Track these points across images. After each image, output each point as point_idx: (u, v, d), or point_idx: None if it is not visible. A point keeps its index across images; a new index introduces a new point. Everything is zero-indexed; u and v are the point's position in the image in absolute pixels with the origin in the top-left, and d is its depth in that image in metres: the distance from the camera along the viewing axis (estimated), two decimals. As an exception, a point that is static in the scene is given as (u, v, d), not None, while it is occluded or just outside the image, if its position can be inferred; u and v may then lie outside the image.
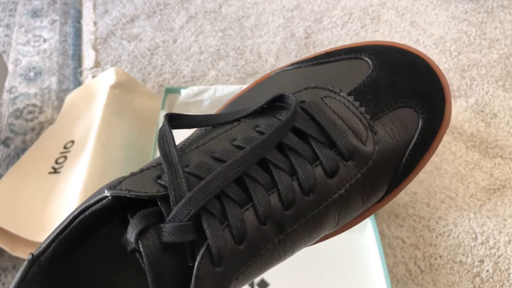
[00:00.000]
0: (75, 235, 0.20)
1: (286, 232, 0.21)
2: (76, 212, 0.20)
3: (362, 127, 0.24)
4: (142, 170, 0.21)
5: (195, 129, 0.25)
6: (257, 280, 0.56)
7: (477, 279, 0.63)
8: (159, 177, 0.20)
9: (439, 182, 0.73)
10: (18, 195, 0.64)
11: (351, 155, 0.23)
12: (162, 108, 0.71)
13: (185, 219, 0.18)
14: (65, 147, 0.69)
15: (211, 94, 0.72)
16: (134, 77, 0.87)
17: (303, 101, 0.24)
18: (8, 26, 1.03)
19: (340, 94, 0.25)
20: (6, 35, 1.01)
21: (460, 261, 0.65)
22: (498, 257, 0.66)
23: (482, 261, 0.65)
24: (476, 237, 0.67)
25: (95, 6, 1.07)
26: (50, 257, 0.20)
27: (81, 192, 0.59)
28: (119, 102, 0.72)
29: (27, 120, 0.83)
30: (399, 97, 0.25)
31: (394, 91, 0.26)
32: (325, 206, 0.22)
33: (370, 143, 0.24)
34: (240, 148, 0.22)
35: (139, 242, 0.18)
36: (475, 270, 0.64)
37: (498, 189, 0.73)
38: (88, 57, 0.94)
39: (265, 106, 0.24)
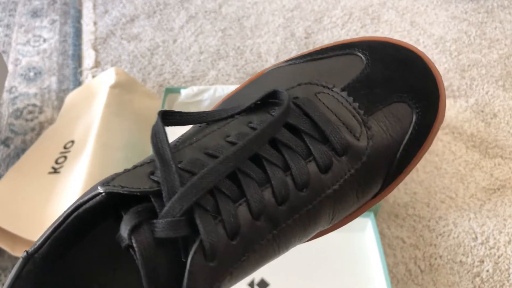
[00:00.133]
0: (70, 233, 0.20)
1: (280, 228, 0.21)
2: (70, 209, 0.20)
3: (356, 123, 0.24)
4: (135, 167, 0.21)
5: (190, 126, 0.25)
6: (257, 280, 0.56)
7: (477, 279, 0.63)
8: (152, 173, 0.20)
9: (439, 182, 0.73)
10: (18, 195, 0.64)
11: (344, 151, 0.23)
12: (162, 108, 0.71)
13: (178, 215, 0.18)
14: (65, 147, 0.69)
15: (211, 94, 0.72)
16: (134, 77, 0.87)
17: (296, 97, 0.24)
18: (8, 26, 1.03)
19: (333, 89, 0.25)
20: (6, 35, 1.01)
21: (460, 261, 0.65)
22: (498, 257, 0.65)
23: (482, 261, 0.65)
24: (476, 237, 0.67)
25: (95, 6, 1.07)
26: (44, 254, 0.20)
27: (81, 192, 0.58)
28: (119, 102, 0.72)
29: (27, 120, 0.83)
30: (393, 92, 0.25)
31: (387, 86, 0.25)
32: (319, 202, 0.22)
33: (364, 138, 0.24)
34: (233, 144, 0.21)
35: (132, 237, 0.18)
36: (475, 270, 0.64)
37: (498, 189, 0.73)
38: (88, 57, 0.94)
39: (259, 102, 0.24)
